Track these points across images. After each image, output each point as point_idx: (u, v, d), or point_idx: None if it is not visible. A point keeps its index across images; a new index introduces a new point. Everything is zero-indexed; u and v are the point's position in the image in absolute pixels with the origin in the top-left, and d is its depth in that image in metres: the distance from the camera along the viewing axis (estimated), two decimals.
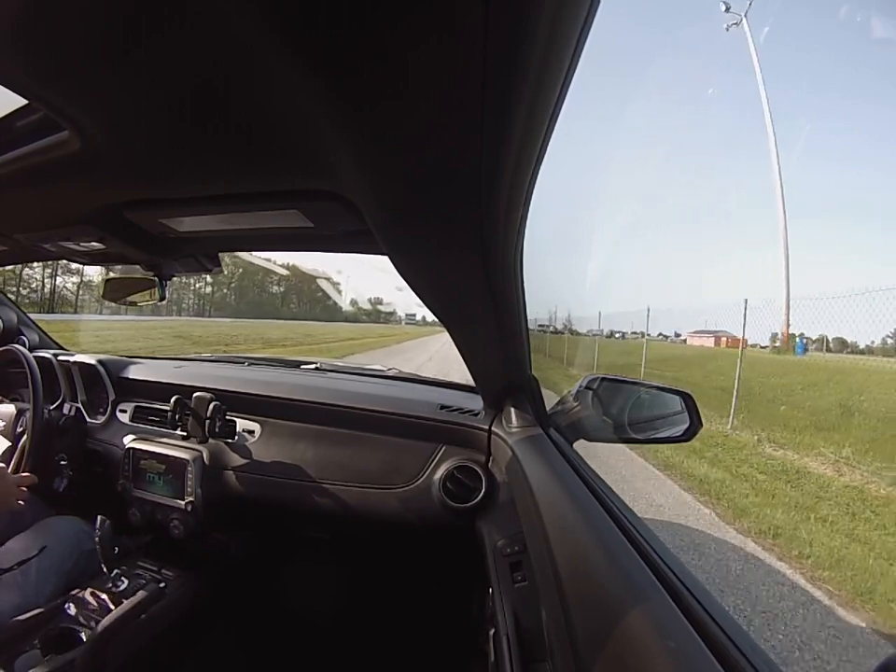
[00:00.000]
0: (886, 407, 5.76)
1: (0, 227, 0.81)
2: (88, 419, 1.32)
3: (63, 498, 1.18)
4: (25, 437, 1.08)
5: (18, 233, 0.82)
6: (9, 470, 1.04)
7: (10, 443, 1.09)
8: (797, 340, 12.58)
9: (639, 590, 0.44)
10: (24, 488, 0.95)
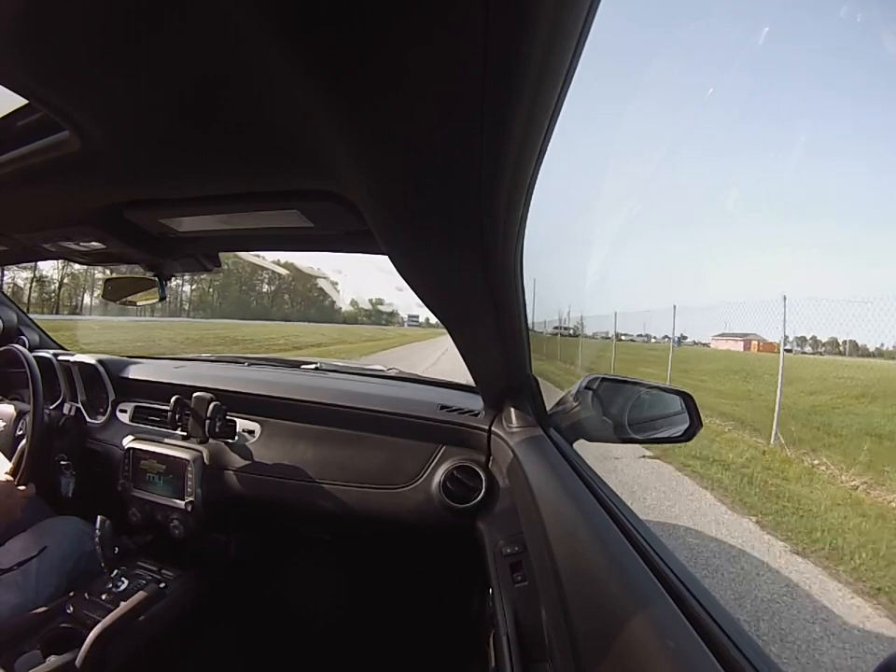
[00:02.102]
0: None
1: (0, 227, 0.81)
2: (88, 419, 1.32)
3: (65, 499, 1.19)
4: (25, 438, 1.08)
5: (18, 233, 0.82)
6: (9, 470, 1.04)
7: (9, 456, 1.09)
8: None
9: (639, 590, 0.44)
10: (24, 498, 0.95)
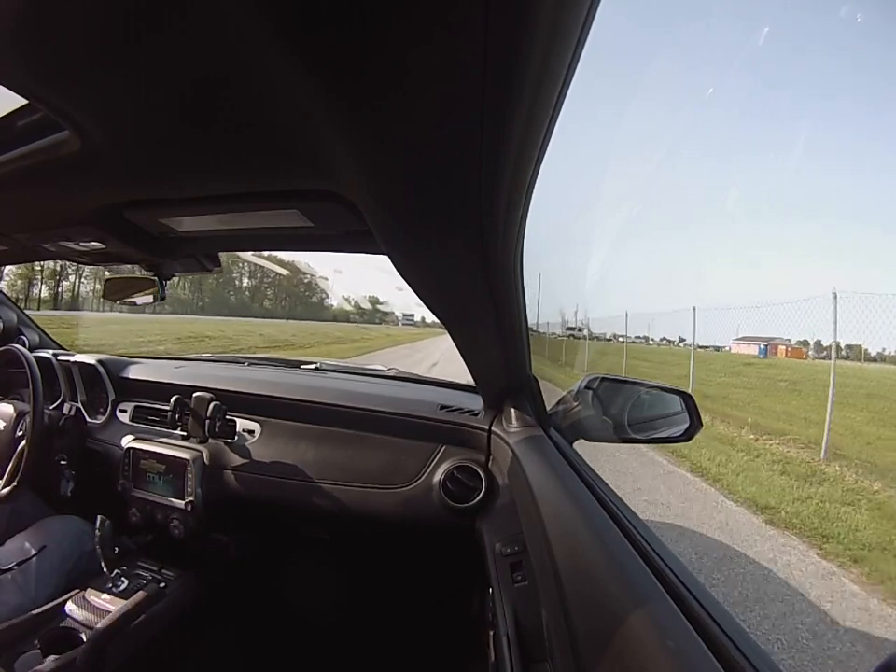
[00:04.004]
0: None
1: (0, 227, 0.81)
2: (88, 419, 1.32)
3: (64, 498, 1.19)
4: (25, 438, 1.08)
5: (18, 233, 0.82)
6: (8, 471, 1.04)
7: (9, 457, 1.09)
8: None
9: (639, 590, 0.44)
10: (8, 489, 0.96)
